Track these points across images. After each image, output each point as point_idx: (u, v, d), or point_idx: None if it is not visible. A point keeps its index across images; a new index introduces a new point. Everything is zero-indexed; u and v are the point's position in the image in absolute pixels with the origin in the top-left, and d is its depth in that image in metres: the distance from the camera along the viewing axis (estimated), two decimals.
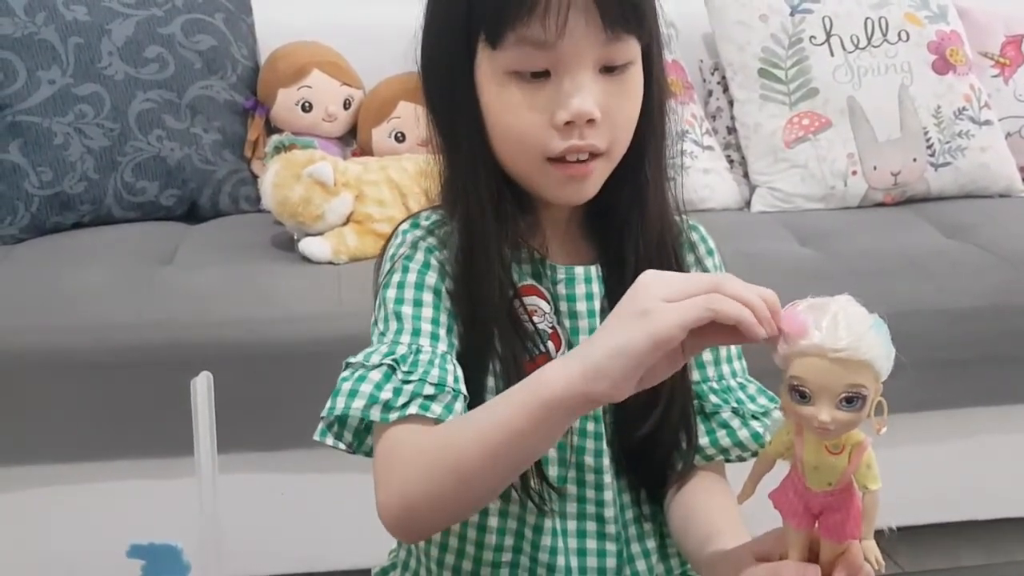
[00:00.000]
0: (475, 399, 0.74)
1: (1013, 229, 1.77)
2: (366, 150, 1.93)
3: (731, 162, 2.01)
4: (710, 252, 0.86)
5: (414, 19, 2.21)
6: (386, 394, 0.70)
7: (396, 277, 0.76)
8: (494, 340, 0.75)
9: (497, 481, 0.68)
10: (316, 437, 0.75)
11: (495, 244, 0.76)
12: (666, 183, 0.80)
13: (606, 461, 0.79)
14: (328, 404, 0.72)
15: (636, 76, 0.74)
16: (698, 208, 1.88)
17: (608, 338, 0.58)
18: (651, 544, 0.83)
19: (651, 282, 0.58)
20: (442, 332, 0.75)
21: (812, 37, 1.97)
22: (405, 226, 0.80)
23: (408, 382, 0.71)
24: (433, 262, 0.77)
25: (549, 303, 0.79)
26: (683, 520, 0.78)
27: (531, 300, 0.78)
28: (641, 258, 0.77)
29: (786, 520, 0.59)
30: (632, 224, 0.78)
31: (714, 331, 0.57)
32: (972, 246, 1.72)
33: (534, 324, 0.77)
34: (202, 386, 0.59)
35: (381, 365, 0.72)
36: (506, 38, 0.70)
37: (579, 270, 0.79)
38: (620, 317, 0.59)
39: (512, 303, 0.76)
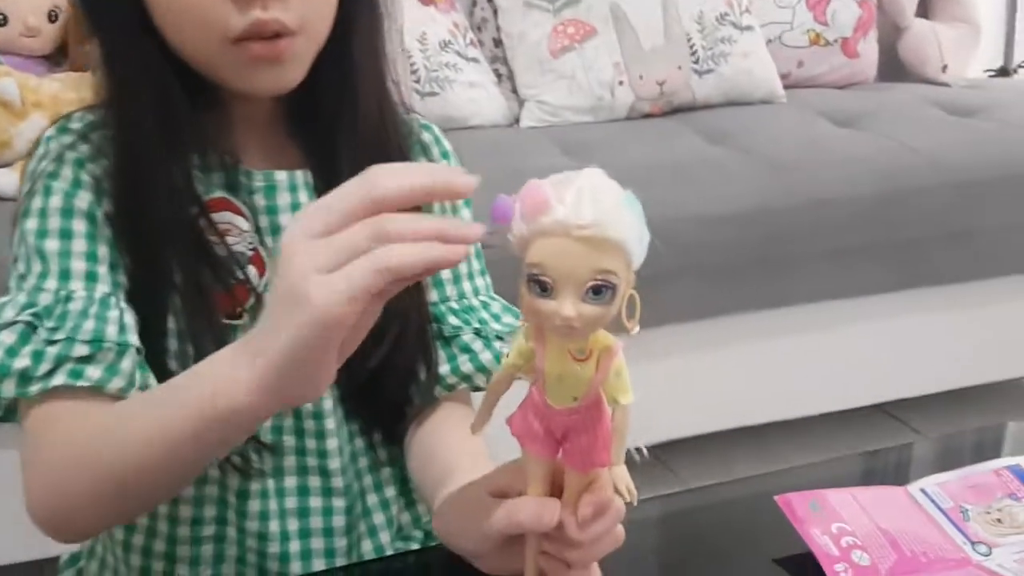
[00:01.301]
0: (153, 347, 0.65)
1: (775, 134, 1.81)
2: (79, 69, 1.69)
3: (499, 76, 1.95)
4: (445, 155, 0.78)
5: None
6: (22, 361, 0.60)
7: (37, 202, 0.65)
8: (172, 271, 0.65)
9: (167, 491, 0.61)
10: None
11: (164, 149, 0.65)
12: (385, 70, 0.71)
13: (328, 403, 0.70)
14: None
15: None
16: (465, 125, 1.80)
17: (273, 338, 0.46)
18: (390, 492, 0.76)
19: (295, 249, 0.45)
20: (101, 269, 0.64)
21: None
22: (51, 131, 0.68)
23: (53, 342, 0.61)
24: (85, 178, 0.65)
25: (248, 219, 0.69)
26: (422, 460, 0.71)
27: (223, 216, 0.67)
28: (358, 161, 0.64)
29: (525, 447, 0.50)
30: (343, 119, 0.69)
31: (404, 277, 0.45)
32: (736, 152, 1.74)
33: (228, 246, 0.67)
34: None
35: (16, 323, 0.61)
36: None
37: (281, 176, 0.69)
38: (277, 304, 0.47)
39: (197, 222, 0.66)
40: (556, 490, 0.51)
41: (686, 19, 1.95)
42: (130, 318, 0.63)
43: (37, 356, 0.60)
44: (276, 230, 0.69)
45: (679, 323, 1.60)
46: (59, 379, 0.60)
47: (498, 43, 1.95)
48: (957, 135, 1.81)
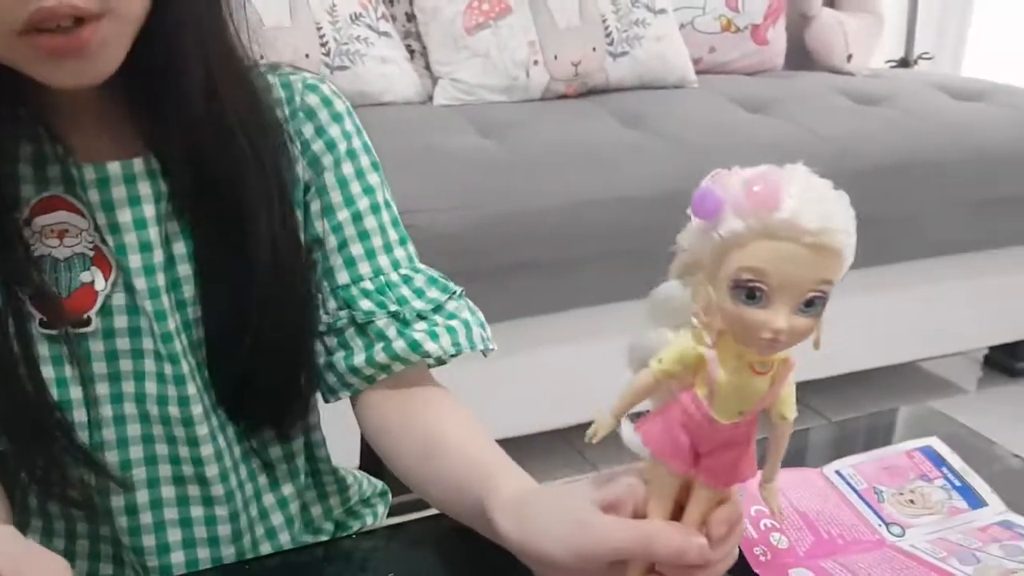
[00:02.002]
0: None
1: (687, 119, 1.82)
2: None
3: (412, 52, 1.91)
4: (336, 117, 0.69)
5: None
6: None
7: None
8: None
9: None
10: None
11: None
12: (222, 26, 0.62)
13: (197, 409, 0.64)
14: None
15: None
16: (377, 102, 1.77)
17: None
18: (288, 490, 0.72)
19: None
20: None
21: None
22: None
23: None
24: None
25: (86, 217, 0.62)
26: (422, 457, 0.65)
27: (56, 217, 0.61)
28: (194, 138, 0.59)
29: (664, 462, 0.46)
30: (170, 94, 0.60)
31: None
32: (649, 135, 1.75)
33: (68, 248, 0.61)
34: None
35: None
36: None
37: (113, 167, 0.61)
38: None
39: (16, 229, 0.60)
40: (677, 507, 0.47)
41: (601, 0, 1.95)
42: None
43: None
44: (115, 228, 0.62)
45: (592, 305, 1.61)
46: None
47: (411, 18, 1.91)
48: (862, 123, 1.86)
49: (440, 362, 0.69)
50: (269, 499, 0.70)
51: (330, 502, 0.75)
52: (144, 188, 0.62)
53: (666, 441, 0.45)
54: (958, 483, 0.68)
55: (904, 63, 2.65)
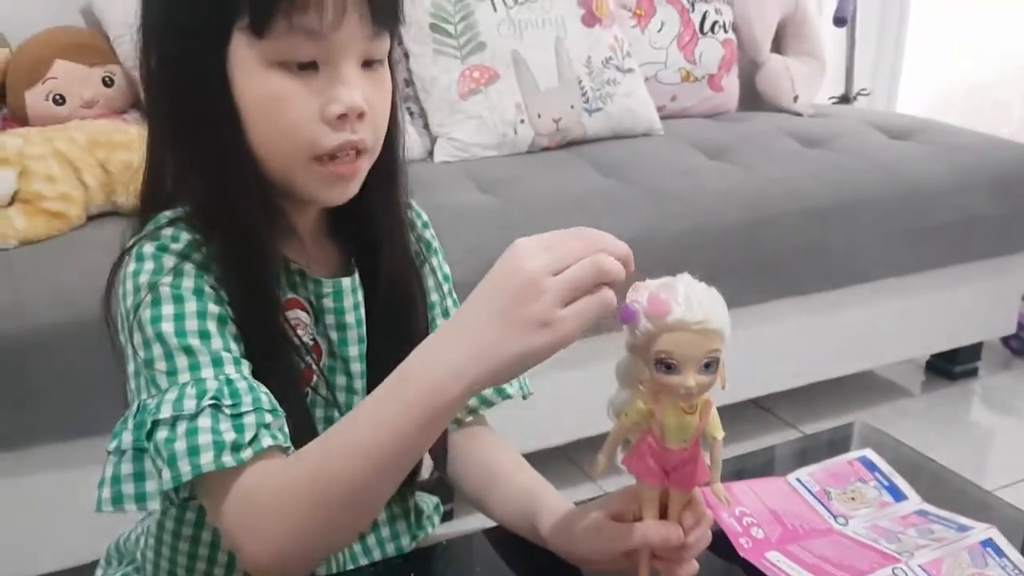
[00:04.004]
0: None
1: (656, 166, 1.98)
2: (19, 115, 1.75)
3: (411, 113, 2.05)
4: (426, 225, 0.87)
5: None
6: (229, 435, 0.63)
7: (168, 309, 0.66)
8: (273, 362, 0.69)
9: (386, 497, 0.64)
10: (108, 508, 0.65)
11: (268, 266, 0.70)
12: (404, 176, 0.78)
13: None
14: (167, 475, 0.62)
15: (387, 71, 0.72)
16: None
17: (507, 343, 0.56)
18: (380, 517, 0.83)
19: (542, 285, 0.56)
20: (240, 356, 0.67)
21: None
22: (149, 248, 0.69)
23: (242, 414, 0.64)
24: (207, 289, 0.68)
25: (309, 313, 0.75)
26: (481, 477, 0.82)
27: (294, 314, 0.74)
28: (397, 264, 0.75)
29: (643, 481, 0.64)
30: (387, 226, 0.76)
31: None
32: (624, 183, 1.90)
33: (300, 339, 0.73)
34: None
35: (202, 409, 0.63)
36: (276, 26, 0.64)
37: (346, 283, 0.76)
38: (518, 321, 0.56)
39: (280, 321, 0.71)
40: (661, 508, 0.65)
41: (576, 64, 2.10)
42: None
43: (238, 428, 0.63)
44: (342, 327, 0.76)
45: (582, 337, 1.77)
46: (267, 441, 0.63)
47: (408, 83, 2.06)
48: (808, 165, 2.01)
49: (491, 404, 0.88)
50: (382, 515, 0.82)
51: (401, 523, 0.85)
52: (359, 297, 0.76)
53: (642, 467, 0.63)
54: (886, 483, 0.84)
55: (845, 99, 2.78)
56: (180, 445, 0.62)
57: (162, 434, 0.63)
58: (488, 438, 0.88)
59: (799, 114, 2.50)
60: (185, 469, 0.62)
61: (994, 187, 2.12)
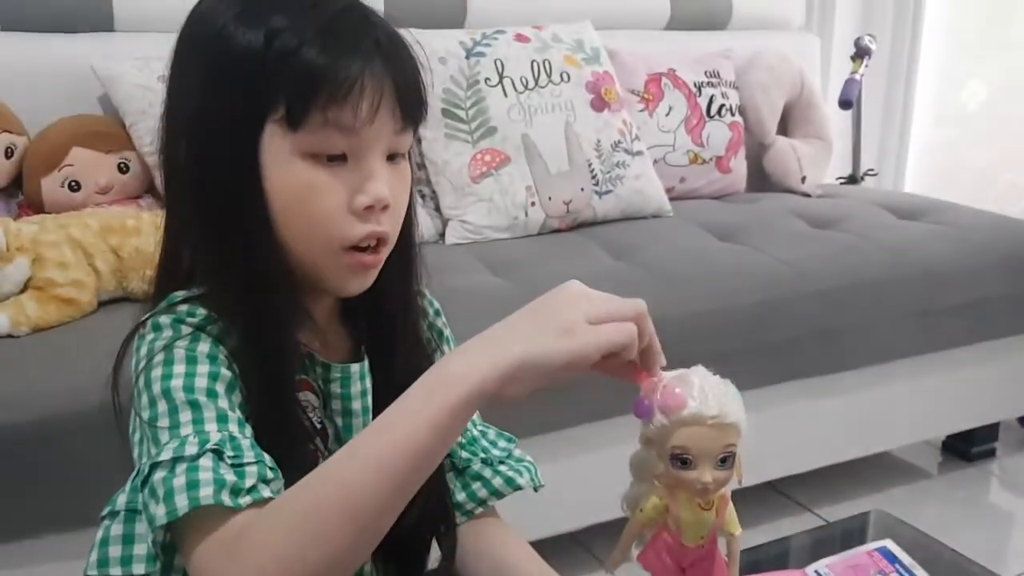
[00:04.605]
0: None
1: (667, 249, 1.99)
2: (35, 202, 1.78)
3: (423, 196, 2.08)
4: (437, 313, 0.89)
5: (79, 57, 2.06)
6: (229, 476, 0.61)
7: (179, 368, 0.67)
8: (287, 448, 0.69)
9: (394, 515, 0.60)
10: (93, 572, 0.65)
11: (288, 356, 0.71)
12: (419, 264, 0.80)
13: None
14: (161, 510, 0.60)
15: (408, 164, 0.74)
16: None
17: (525, 344, 0.57)
18: None
19: (577, 298, 0.59)
20: (244, 422, 0.67)
21: (487, 79, 2.10)
22: (165, 319, 0.70)
23: (242, 465, 0.62)
24: (220, 357, 0.69)
25: (318, 396, 0.76)
26: (491, 569, 0.82)
27: (304, 396, 0.75)
28: (409, 354, 0.76)
29: None
30: (400, 314, 0.78)
31: (608, 360, 0.59)
32: (634, 265, 1.91)
33: (311, 421, 0.74)
34: None
35: (203, 452, 0.62)
36: (311, 120, 0.67)
37: (355, 368, 0.77)
38: (539, 326, 0.58)
39: (293, 401, 0.72)
40: None
41: (586, 147, 2.14)
42: None
43: (240, 474, 0.62)
44: (347, 412, 0.76)
45: (589, 422, 1.74)
46: (266, 493, 0.62)
47: (420, 166, 2.08)
48: (818, 247, 2.01)
49: (502, 497, 0.88)
50: None
51: None
52: (367, 384, 0.77)
53: (658, 564, 0.62)
54: (907, 574, 0.86)
55: (852, 179, 2.81)
56: (179, 481, 0.61)
57: (159, 474, 0.62)
58: (499, 531, 0.88)
59: (807, 195, 2.53)
60: (182, 503, 0.60)
61: (1005, 267, 2.13)
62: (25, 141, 1.80)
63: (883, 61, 3.10)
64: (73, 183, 1.78)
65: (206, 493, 0.60)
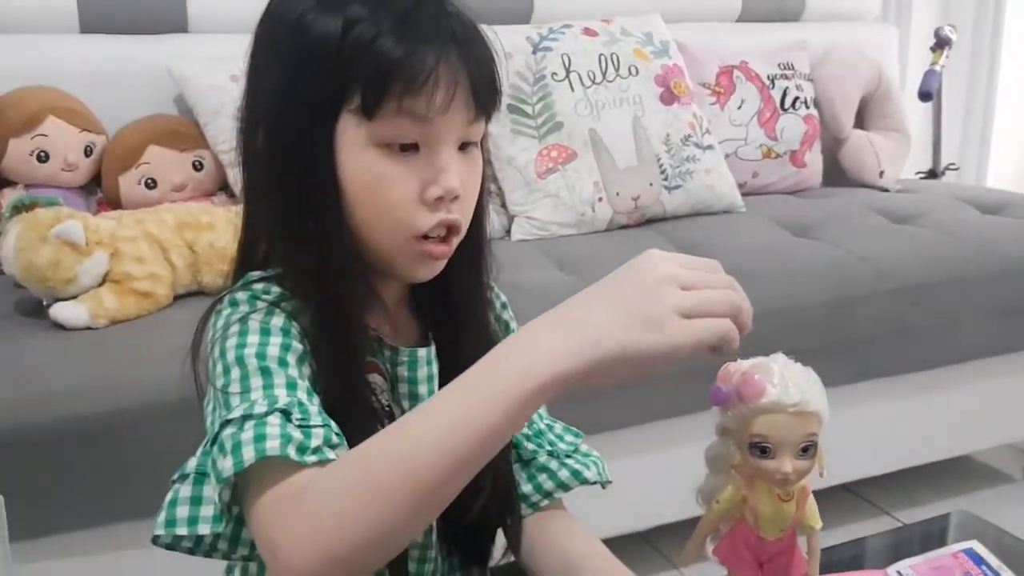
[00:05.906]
0: None
1: (739, 245, 1.95)
2: (113, 199, 1.83)
3: (488, 192, 2.07)
4: (504, 306, 0.88)
5: (156, 58, 2.11)
6: (296, 435, 0.61)
7: (253, 337, 0.68)
8: (354, 423, 0.68)
9: (455, 491, 0.58)
10: (160, 531, 0.66)
11: (359, 337, 0.72)
12: (489, 256, 0.80)
13: (432, 537, 0.79)
14: (228, 463, 0.61)
15: (479, 153, 0.75)
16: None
17: (612, 334, 0.54)
18: None
19: (667, 289, 0.54)
20: (312, 391, 0.67)
21: (554, 74, 2.09)
22: (242, 295, 0.71)
23: (309, 427, 0.62)
24: (293, 331, 0.70)
25: (386, 379, 0.77)
26: (557, 564, 0.80)
27: (373, 378, 0.75)
28: (478, 341, 0.75)
29: (736, 573, 0.62)
30: (469, 304, 0.78)
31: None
32: None
33: (380, 402, 0.75)
34: None
35: (272, 411, 0.62)
36: (385, 109, 0.67)
37: (422, 353, 0.77)
38: (628, 315, 0.54)
39: (364, 382, 0.73)
40: None
41: (655, 141, 2.11)
42: None
43: (307, 434, 0.62)
44: (414, 396, 0.77)
45: (662, 419, 1.73)
46: (331, 455, 0.61)
47: (487, 162, 2.10)
48: (896, 242, 1.96)
49: (569, 489, 0.86)
50: None
51: None
52: (434, 369, 0.77)
53: (735, 557, 0.61)
54: None
55: (932, 174, 2.73)
56: (247, 435, 0.61)
57: (228, 431, 0.63)
58: (565, 524, 0.86)
59: (885, 189, 2.47)
60: (248, 455, 0.60)
61: None
62: (104, 140, 1.85)
63: (964, 52, 3.01)
64: (149, 181, 1.82)
65: (272, 445, 0.60)
